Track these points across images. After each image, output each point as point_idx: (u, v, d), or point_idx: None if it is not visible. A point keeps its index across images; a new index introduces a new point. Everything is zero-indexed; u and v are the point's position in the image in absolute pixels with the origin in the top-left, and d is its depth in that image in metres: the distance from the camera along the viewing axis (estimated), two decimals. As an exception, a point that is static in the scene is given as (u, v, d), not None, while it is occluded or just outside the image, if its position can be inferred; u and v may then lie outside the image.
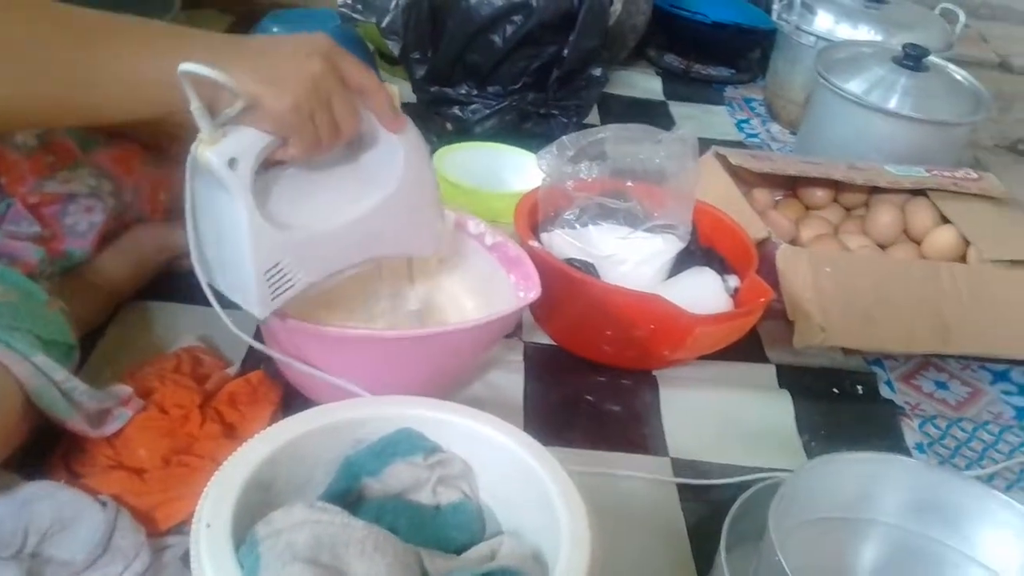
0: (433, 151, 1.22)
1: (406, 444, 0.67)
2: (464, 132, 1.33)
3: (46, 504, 0.63)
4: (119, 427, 0.72)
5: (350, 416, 0.68)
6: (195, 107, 0.63)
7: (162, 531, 0.68)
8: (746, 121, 1.69)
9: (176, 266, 0.94)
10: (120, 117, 0.68)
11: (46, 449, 0.73)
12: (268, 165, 0.70)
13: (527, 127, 1.35)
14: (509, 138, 1.28)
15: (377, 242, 0.78)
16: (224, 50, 0.65)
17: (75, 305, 0.78)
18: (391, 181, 0.76)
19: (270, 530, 0.54)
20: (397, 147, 0.75)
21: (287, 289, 0.72)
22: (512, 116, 1.32)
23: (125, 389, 0.74)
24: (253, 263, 0.69)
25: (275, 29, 1.37)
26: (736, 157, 1.19)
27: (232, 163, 0.65)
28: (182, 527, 0.68)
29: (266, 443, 0.62)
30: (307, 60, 0.66)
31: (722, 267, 1.02)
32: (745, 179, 1.22)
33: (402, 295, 0.90)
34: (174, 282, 0.94)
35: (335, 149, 0.71)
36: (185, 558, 0.62)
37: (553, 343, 1.01)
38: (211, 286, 0.72)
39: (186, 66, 0.61)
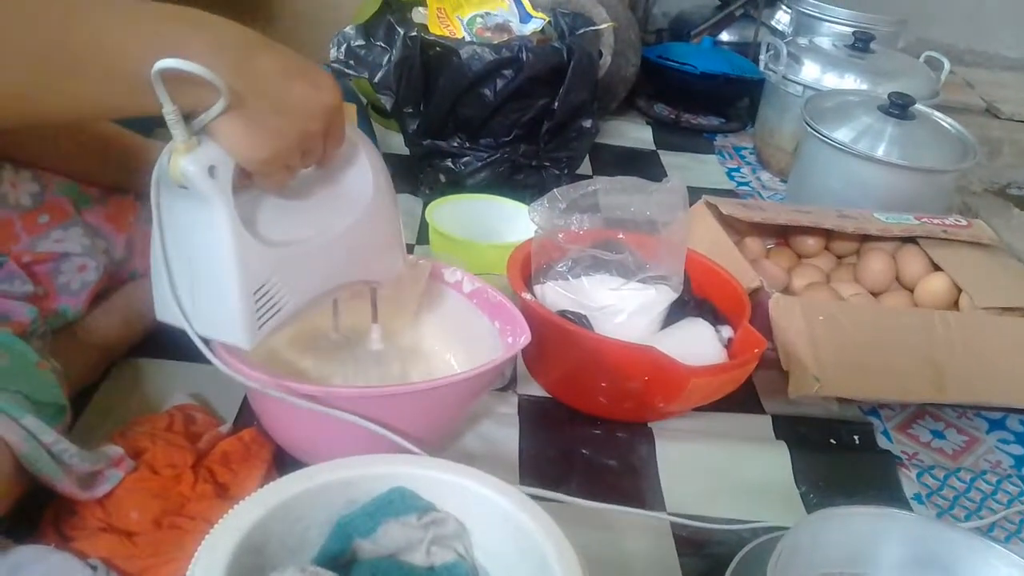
0: (426, 203, 1.23)
1: (399, 504, 0.67)
2: (456, 184, 1.34)
3: (36, 569, 0.62)
4: (110, 488, 0.71)
5: (343, 476, 0.67)
6: (168, 111, 0.57)
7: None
8: (736, 169, 1.70)
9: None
10: (102, 113, 0.64)
11: (37, 511, 0.72)
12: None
13: (519, 179, 1.36)
14: (501, 190, 1.29)
15: (353, 266, 0.75)
16: (230, 53, 0.59)
17: (67, 363, 0.78)
18: (363, 201, 0.74)
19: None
20: (366, 169, 0.74)
21: (274, 314, 0.67)
22: (504, 168, 1.34)
23: (116, 450, 0.73)
24: (239, 283, 0.63)
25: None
26: (727, 206, 1.20)
27: (212, 171, 0.60)
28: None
29: (258, 505, 0.61)
30: (308, 120, 0.63)
31: (715, 317, 1.02)
32: (737, 228, 1.22)
33: (363, 335, 0.89)
34: (167, 339, 0.93)
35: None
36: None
37: (547, 395, 1.00)
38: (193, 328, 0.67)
39: (164, 63, 0.55)
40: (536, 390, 1.01)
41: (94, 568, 0.64)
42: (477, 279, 0.93)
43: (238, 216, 0.62)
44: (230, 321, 0.65)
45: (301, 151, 0.65)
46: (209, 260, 0.64)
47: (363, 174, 0.75)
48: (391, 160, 1.50)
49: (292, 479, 0.65)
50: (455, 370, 0.83)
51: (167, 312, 0.68)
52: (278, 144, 0.62)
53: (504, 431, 0.94)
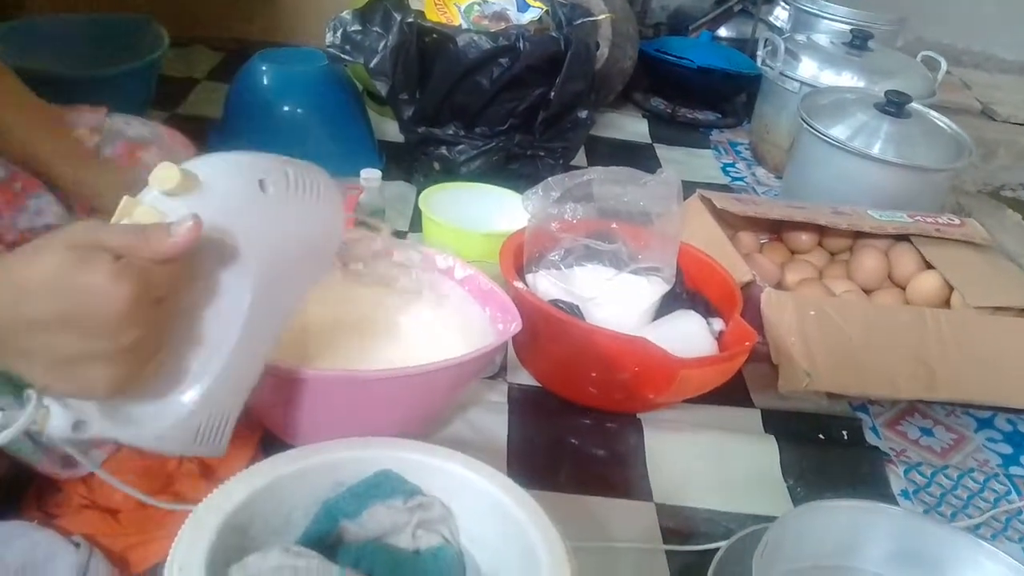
0: (419, 191, 1.22)
1: (386, 487, 0.66)
2: (451, 172, 1.33)
3: (19, 544, 0.62)
4: (92, 469, 0.70)
5: (329, 458, 0.67)
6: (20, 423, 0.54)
7: (136, 573, 0.66)
8: (732, 165, 1.70)
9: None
10: None
11: (19, 489, 0.71)
12: None
13: (514, 168, 1.35)
14: (495, 179, 1.28)
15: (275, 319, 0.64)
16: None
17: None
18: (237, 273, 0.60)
19: (245, 573, 0.53)
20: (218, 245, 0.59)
21: (225, 426, 0.62)
22: (499, 157, 1.33)
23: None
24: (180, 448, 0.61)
25: (264, 67, 1.37)
26: (721, 200, 1.20)
27: (78, 426, 0.56)
28: (157, 569, 0.66)
29: (243, 485, 0.61)
30: (112, 336, 0.51)
31: (707, 310, 1.02)
32: (730, 222, 1.22)
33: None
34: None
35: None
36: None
37: (537, 384, 1.00)
38: None
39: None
40: (526, 379, 1.01)
41: (77, 545, 0.64)
42: (469, 266, 0.93)
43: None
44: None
45: (140, 345, 0.53)
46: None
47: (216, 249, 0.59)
48: (386, 147, 1.52)
49: (278, 460, 0.65)
50: (445, 356, 0.82)
51: None
52: (111, 366, 0.52)
53: (493, 419, 0.94)
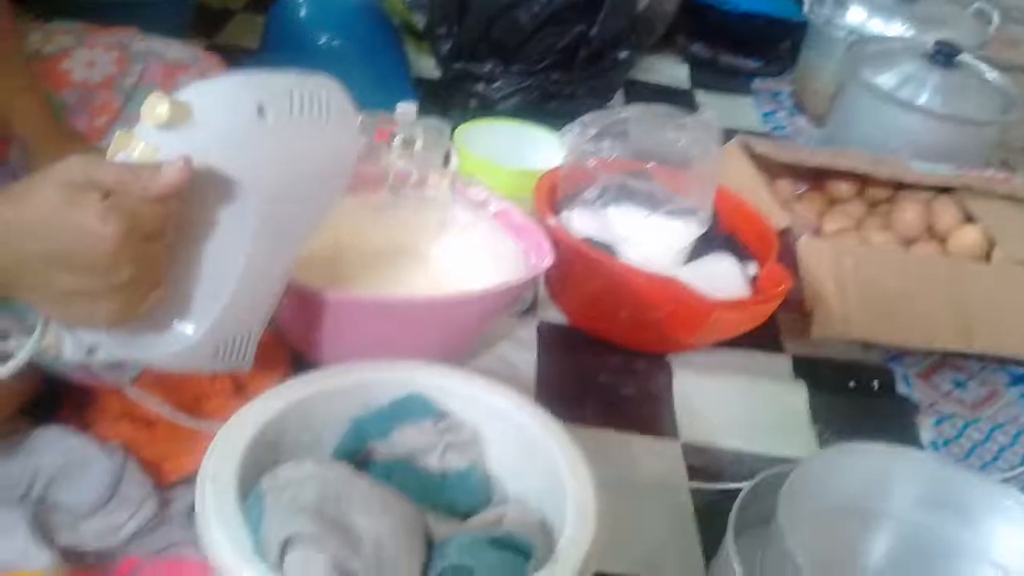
0: (455, 126, 1.21)
1: (415, 409, 0.67)
2: (487, 109, 1.32)
3: (55, 449, 0.63)
4: (129, 379, 0.71)
5: (360, 379, 0.67)
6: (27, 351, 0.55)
7: (169, 483, 0.68)
8: (773, 113, 1.67)
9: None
10: None
11: (56, 401, 0.73)
12: None
13: (550, 106, 1.33)
14: (532, 116, 1.27)
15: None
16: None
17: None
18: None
19: (277, 483, 0.54)
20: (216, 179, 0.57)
21: (247, 343, 0.64)
22: (536, 95, 1.31)
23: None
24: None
25: (303, 12, 1.36)
26: (761, 145, 1.18)
27: (92, 351, 0.57)
28: (189, 481, 0.67)
29: (274, 401, 0.61)
30: (106, 274, 0.52)
31: (742, 254, 1.00)
32: (769, 170, 1.20)
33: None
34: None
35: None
36: (191, 510, 0.62)
37: (567, 322, 1.00)
38: None
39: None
40: (557, 316, 1.01)
41: (112, 452, 0.65)
42: (503, 199, 0.92)
43: None
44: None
45: (134, 281, 0.54)
46: None
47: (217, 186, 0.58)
48: (422, 83, 1.51)
49: (309, 378, 0.65)
50: (477, 288, 0.82)
51: None
52: (108, 301, 0.54)
53: (522, 354, 0.94)
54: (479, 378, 0.69)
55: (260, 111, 0.57)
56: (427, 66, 1.48)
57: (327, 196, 0.66)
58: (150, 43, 0.98)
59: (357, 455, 0.65)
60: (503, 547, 0.55)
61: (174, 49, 0.99)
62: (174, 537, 0.63)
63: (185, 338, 0.60)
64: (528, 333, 0.98)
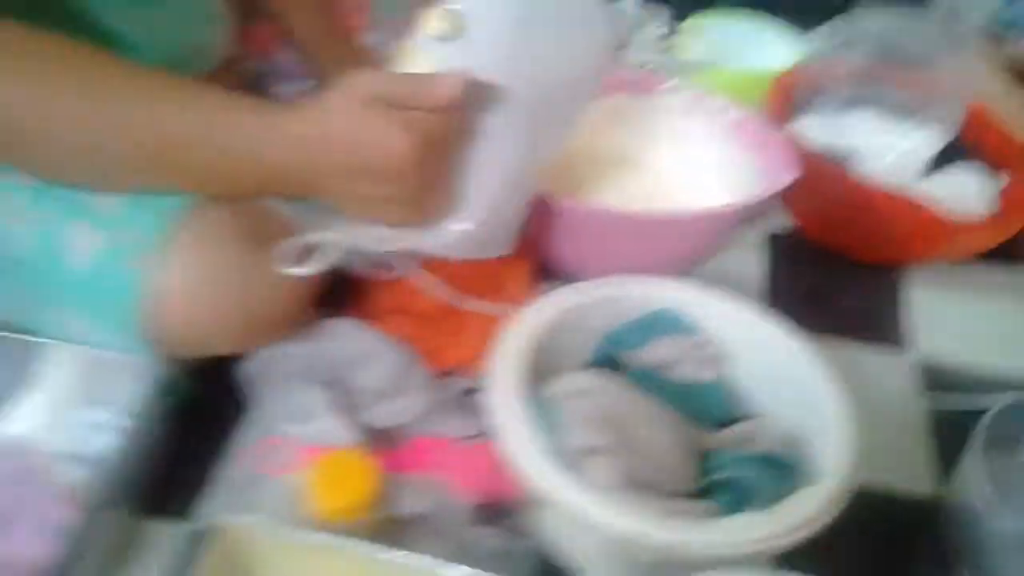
0: (677, 17, 1.19)
1: (666, 322, 0.71)
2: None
3: (350, 339, 0.72)
4: (399, 275, 0.79)
5: (612, 293, 0.72)
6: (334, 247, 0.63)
7: (443, 371, 0.75)
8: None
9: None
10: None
11: (339, 292, 0.80)
12: None
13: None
14: (758, 9, 1.22)
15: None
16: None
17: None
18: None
19: (569, 391, 0.59)
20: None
21: (506, 233, 0.72)
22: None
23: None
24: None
25: None
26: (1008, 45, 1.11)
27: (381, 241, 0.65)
28: (462, 369, 0.74)
29: (550, 308, 0.67)
30: (401, 179, 0.59)
31: (987, 166, 0.97)
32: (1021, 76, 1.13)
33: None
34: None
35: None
36: (463, 396, 0.70)
37: (798, 230, 1.00)
38: None
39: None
40: (786, 224, 1.01)
41: (396, 342, 0.73)
42: (741, 109, 0.92)
43: None
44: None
45: (423, 186, 0.61)
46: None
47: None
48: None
49: (576, 289, 0.70)
50: (712, 201, 0.84)
51: None
52: (401, 204, 0.61)
53: (750, 261, 0.96)
54: (727, 294, 0.72)
55: (527, 20, 0.61)
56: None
57: (582, 99, 0.70)
58: None
59: (610, 364, 0.70)
60: (769, 463, 0.59)
61: None
62: (451, 420, 0.71)
63: (460, 231, 0.66)
64: (756, 239, 0.99)
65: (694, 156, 0.93)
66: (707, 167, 0.93)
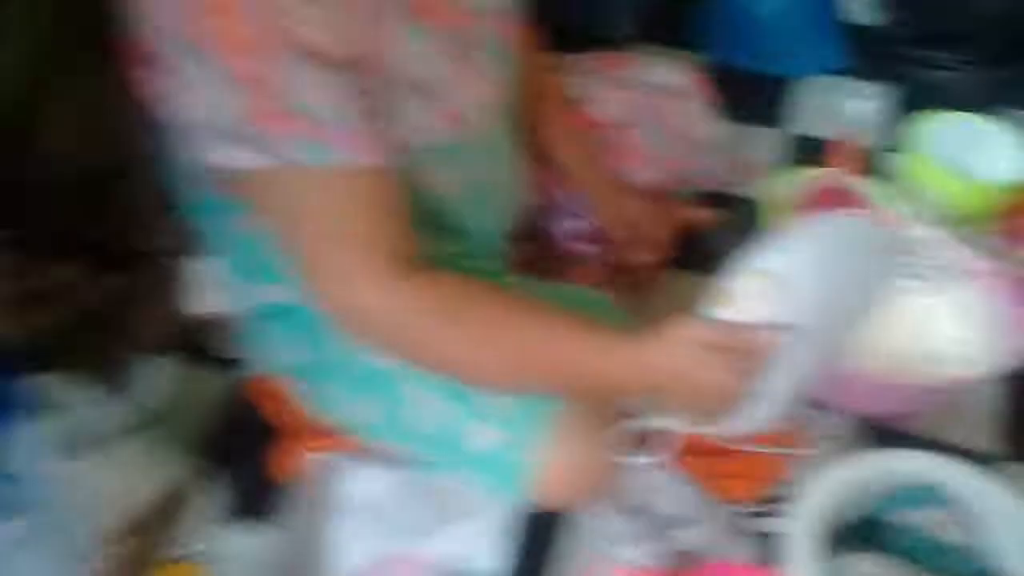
0: (904, 102, 1.16)
1: (925, 494, 0.90)
2: (944, 92, 1.18)
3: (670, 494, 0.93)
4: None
5: (884, 466, 0.91)
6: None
7: (739, 500, 0.95)
8: None
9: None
10: None
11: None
12: None
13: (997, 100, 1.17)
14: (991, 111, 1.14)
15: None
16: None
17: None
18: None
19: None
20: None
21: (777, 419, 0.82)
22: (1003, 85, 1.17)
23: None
24: None
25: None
26: None
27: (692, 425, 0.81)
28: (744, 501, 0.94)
29: (851, 471, 0.89)
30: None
31: None
32: None
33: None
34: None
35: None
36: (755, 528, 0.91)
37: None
38: None
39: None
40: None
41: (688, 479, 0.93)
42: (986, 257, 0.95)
43: None
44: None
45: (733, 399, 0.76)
46: None
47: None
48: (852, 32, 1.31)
49: (862, 460, 0.90)
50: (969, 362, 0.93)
51: None
52: (717, 407, 0.77)
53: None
54: (979, 472, 0.88)
55: (831, 275, 0.75)
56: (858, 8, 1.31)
57: (868, 312, 0.85)
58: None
59: (874, 525, 0.88)
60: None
61: (659, 72, 1.13)
62: (741, 548, 0.91)
63: (754, 419, 0.83)
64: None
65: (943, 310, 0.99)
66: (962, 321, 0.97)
